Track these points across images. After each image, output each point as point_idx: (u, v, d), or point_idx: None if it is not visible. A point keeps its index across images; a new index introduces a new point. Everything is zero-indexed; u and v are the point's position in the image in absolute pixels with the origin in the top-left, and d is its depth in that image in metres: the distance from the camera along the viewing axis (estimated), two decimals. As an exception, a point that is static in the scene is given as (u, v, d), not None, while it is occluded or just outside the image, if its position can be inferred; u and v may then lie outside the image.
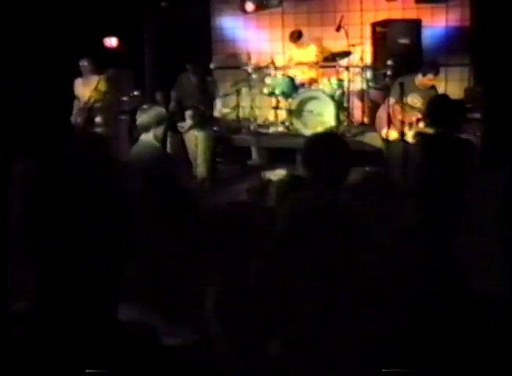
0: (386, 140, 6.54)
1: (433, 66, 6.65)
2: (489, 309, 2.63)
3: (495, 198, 2.71)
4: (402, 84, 6.11)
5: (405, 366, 2.54)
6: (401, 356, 2.61)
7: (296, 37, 8.28)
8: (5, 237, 2.47)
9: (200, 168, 7.18)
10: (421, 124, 6.37)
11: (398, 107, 6.43)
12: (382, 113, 6.70)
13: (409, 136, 6.33)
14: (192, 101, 7.81)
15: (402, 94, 6.20)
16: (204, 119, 7.61)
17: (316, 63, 8.27)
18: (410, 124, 6.36)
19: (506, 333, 2.55)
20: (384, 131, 6.60)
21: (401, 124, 6.29)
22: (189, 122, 7.46)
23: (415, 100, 6.51)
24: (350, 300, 2.54)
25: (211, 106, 7.93)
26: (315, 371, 2.41)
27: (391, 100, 6.60)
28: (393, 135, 6.40)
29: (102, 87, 7.39)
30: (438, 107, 4.45)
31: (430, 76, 6.50)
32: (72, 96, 7.59)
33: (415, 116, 6.44)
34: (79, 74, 7.58)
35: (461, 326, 2.71)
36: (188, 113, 7.70)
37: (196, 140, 7.19)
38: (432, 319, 2.80)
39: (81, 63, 7.47)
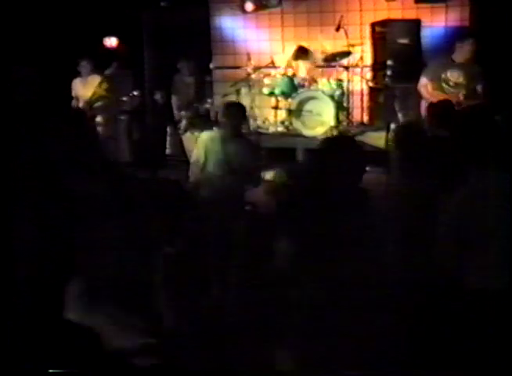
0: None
1: (465, 35, 6.44)
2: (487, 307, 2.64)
3: (495, 198, 2.71)
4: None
5: (404, 366, 2.54)
6: (401, 355, 2.62)
7: (301, 53, 8.17)
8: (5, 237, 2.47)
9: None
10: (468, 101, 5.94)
11: (436, 92, 6.11)
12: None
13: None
14: (187, 101, 7.82)
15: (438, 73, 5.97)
16: (200, 119, 7.61)
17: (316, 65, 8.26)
18: (458, 103, 5.78)
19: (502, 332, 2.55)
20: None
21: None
22: (184, 123, 7.45)
23: (455, 75, 6.22)
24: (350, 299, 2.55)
25: (207, 106, 7.95)
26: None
27: (423, 80, 6.30)
28: None
29: (104, 86, 7.42)
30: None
31: (467, 44, 6.20)
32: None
33: (459, 93, 6.13)
34: (78, 74, 7.59)
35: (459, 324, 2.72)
36: (183, 114, 7.69)
37: (195, 140, 7.18)
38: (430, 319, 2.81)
39: (80, 63, 7.49)
